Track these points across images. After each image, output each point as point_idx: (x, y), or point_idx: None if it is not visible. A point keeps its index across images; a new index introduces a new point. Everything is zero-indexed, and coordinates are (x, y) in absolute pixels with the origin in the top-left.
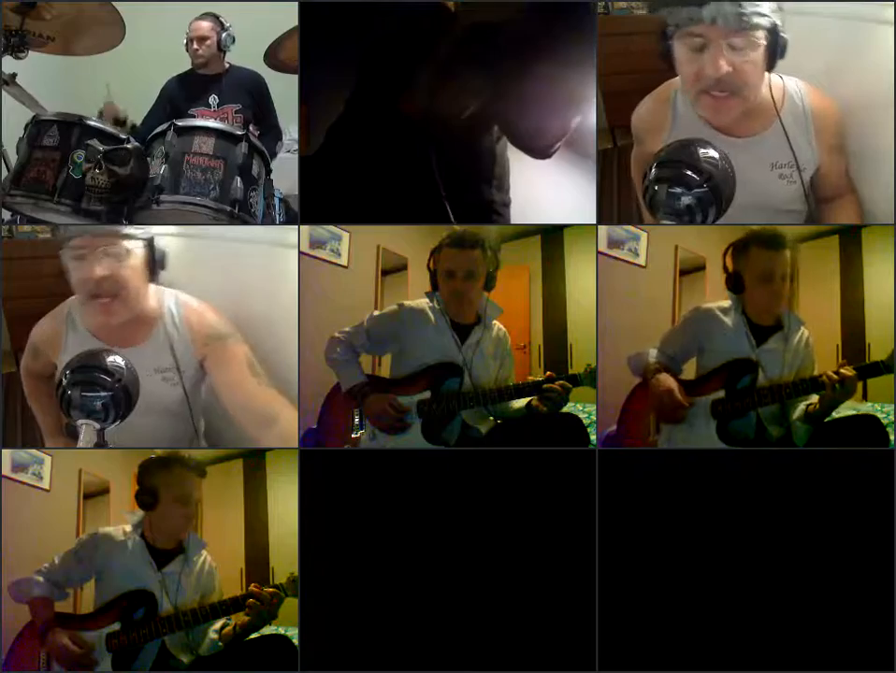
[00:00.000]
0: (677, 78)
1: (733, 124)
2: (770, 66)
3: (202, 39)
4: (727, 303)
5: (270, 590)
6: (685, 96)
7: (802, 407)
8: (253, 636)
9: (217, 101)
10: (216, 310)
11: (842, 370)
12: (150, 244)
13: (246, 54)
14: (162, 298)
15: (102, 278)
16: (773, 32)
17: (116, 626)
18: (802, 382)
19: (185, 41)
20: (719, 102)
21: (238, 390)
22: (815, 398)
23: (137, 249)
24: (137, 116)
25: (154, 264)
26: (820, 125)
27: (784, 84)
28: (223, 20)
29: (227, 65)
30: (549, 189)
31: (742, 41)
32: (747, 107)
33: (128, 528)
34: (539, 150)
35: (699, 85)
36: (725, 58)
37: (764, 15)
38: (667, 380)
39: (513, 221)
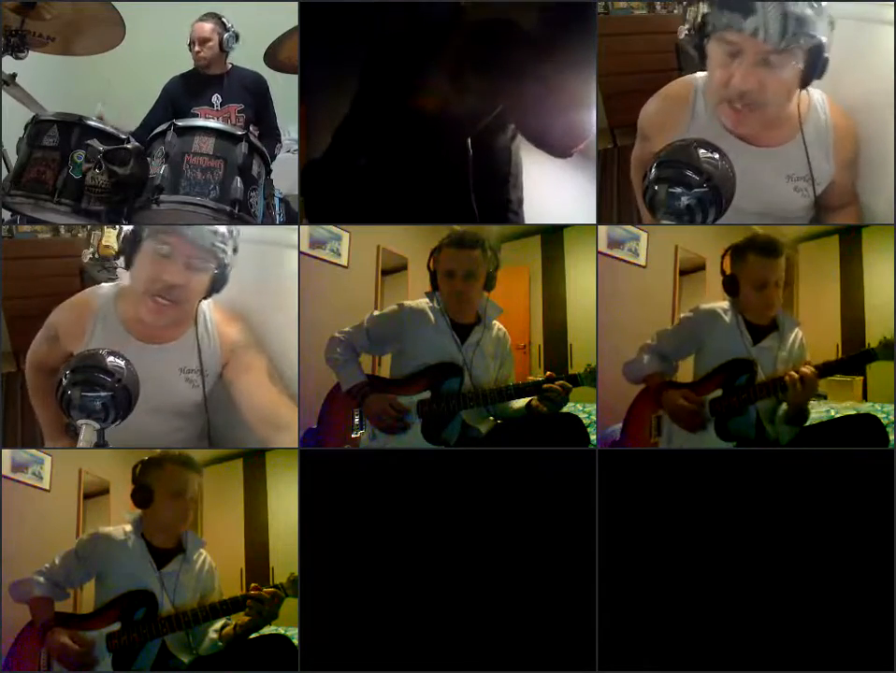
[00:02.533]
0: (695, 76)
1: (754, 134)
2: (804, 85)
3: (204, 41)
4: (725, 304)
5: (270, 590)
6: (705, 97)
7: (784, 406)
8: (253, 635)
9: (220, 101)
10: (245, 321)
11: (802, 368)
12: (224, 267)
13: (246, 54)
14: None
15: (175, 285)
16: (815, 52)
17: (116, 626)
18: (775, 382)
19: (188, 42)
20: (738, 114)
21: (257, 396)
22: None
23: (214, 269)
24: (136, 116)
25: (216, 285)
26: (839, 140)
27: (809, 97)
28: (225, 20)
29: (229, 66)
30: (549, 189)
31: (778, 59)
32: (766, 121)
33: (128, 528)
34: (560, 150)
35: (723, 92)
36: (755, 73)
37: (812, 35)
38: (676, 396)
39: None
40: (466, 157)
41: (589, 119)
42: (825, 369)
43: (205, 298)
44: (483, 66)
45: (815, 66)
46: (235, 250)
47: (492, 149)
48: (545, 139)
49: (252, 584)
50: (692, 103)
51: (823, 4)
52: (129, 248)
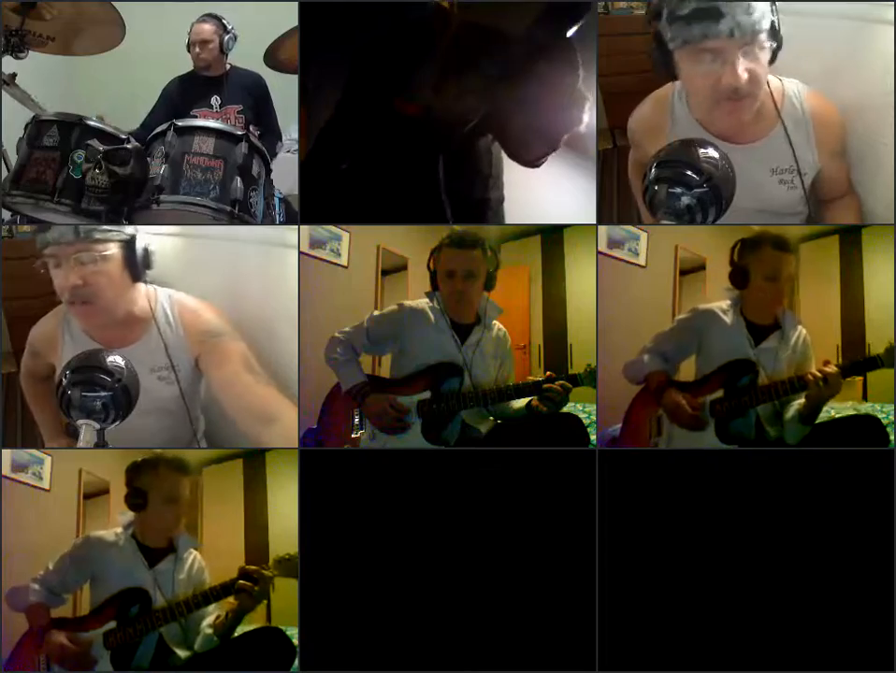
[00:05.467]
0: (674, 82)
1: (734, 131)
2: (771, 62)
3: (205, 43)
4: (725, 304)
5: (252, 567)
6: (682, 101)
7: (795, 405)
8: (251, 630)
9: (219, 102)
10: (212, 308)
11: (825, 368)
12: (128, 245)
13: (246, 54)
14: (155, 297)
15: (75, 286)
16: (774, 30)
17: (112, 624)
18: (791, 381)
19: (187, 42)
20: (737, 105)
21: (233, 388)
22: (803, 397)
23: (112, 252)
24: (136, 117)
25: (136, 264)
26: (820, 129)
27: (783, 87)
28: (225, 22)
29: (228, 66)
30: (549, 189)
31: (753, 48)
32: (757, 105)
33: (119, 529)
34: (527, 161)
35: (716, 95)
36: (741, 66)
37: (768, 17)
38: (675, 396)
39: (512, 221)
40: (449, 158)
41: (557, 131)
42: (861, 367)
43: (135, 281)
44: (462, 72)
45: (777, 44)
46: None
47: (473, 150)
48: (513, 150)
49: (239, 565)
50: (671, 107)
51: None
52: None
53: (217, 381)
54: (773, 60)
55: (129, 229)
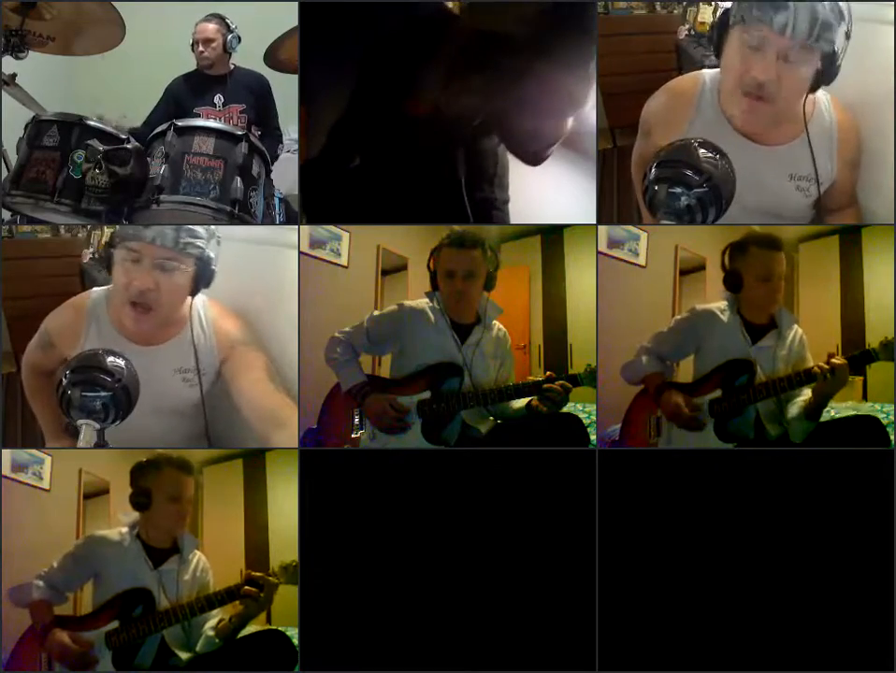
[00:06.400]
0: (702, 72)
1: (759, 132)
2: (814, 88)
3: (208, 41)
4: (723, 304)
5: (259, 574)
6: (713, 92)
7: (799, 402)
8: (253, 631)
9: (222, 101)
10: (240, 316)
11: (832, 360)
12: (205, 262)
13: (246, 54)
14: (191, 301)
15: (147, 289)
16: (831, 58)
17: (115, 624)
18: (795, 375)
19: (191, 42)
20: (752, 104)
21: (256, 393)
22: (808, 393)
23: (190, 268)
24: (137, 116)
25: (201, 281)
26: (843, 140)
27: (815, 97)
28: (228, 21)
29: (232, 66)
30: (549, 189)
31: (797, 56)
32: (774, 115)
33: (124, 529)
34: (530, 157)
35: (740, 83)
36: (775, 66)
37: (832, 41)
38: (673, 397)
39: (512, 222)
40: (456, 158)
41: (559, 123)
42: (855, 361)
43: (191, 295)
44: (468, 73)
45: (827, 72)
46: (218, 243)
47: (479, 150)
48: (517, 143)
49: (244, 571)
50: (697, 98)
51: (846, 15)
52: (107, 254)
53: (242, 386)
54: (815, 88)
55: (213, 247)
